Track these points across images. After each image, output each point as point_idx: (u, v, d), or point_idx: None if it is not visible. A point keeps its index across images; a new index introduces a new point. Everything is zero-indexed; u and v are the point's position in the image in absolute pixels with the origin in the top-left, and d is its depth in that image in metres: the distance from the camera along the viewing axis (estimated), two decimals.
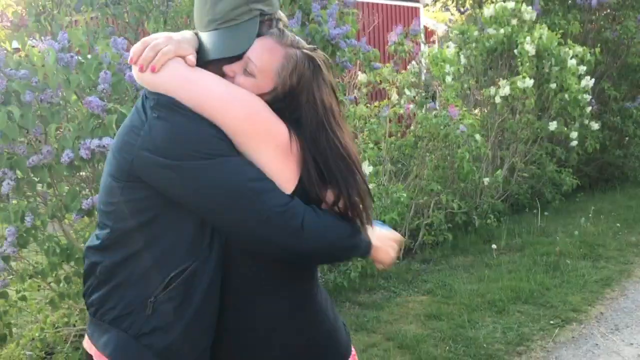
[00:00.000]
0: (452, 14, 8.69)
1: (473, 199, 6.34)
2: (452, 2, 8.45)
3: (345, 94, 4.47)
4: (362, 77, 6.26)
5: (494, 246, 5.70)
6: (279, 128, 1.33)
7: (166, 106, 1.30)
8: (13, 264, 3.15)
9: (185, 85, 1.30)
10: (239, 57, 1.36)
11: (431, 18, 13.50)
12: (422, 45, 11.42)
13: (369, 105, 5.61)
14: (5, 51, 2.63)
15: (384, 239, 1.48)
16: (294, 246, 1.29)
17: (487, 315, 4.27)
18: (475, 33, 6.57)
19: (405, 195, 4.92)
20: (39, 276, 3.15)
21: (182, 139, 1.28)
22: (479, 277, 5.04)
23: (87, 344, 1.42)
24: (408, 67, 6.72)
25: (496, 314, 4.29)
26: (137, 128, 1.31)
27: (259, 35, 1.37)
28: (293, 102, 1.35)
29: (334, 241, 1.34)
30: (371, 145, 5.70)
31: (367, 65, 4.43)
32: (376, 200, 4.81)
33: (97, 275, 1.38)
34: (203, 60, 1.37)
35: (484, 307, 4.40)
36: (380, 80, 5.84)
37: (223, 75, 1.35)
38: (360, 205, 1.38)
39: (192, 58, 1.34)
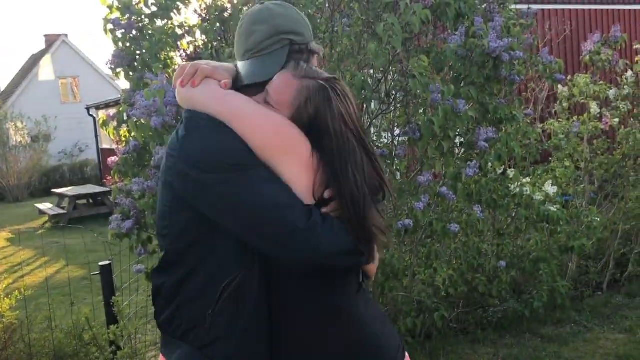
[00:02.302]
0: None
1: None
2: None
3: (523, 108, 4.17)
4: (562, 89, 5.81)
5: None
6: (303, 144, 1.41)
7: (196, 121, 1.41)
8: None
9: (220, 101, 1.41)
10: (264, 88, 1.46)
11: None
12: None
13: (560, 120, 5.15)
14: None
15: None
16: (309, 257, 1.36)
17: None
18: None
19: (598, 219, 4.40)
20: None
21: (211, 151, 1.36)
22: None
23: None
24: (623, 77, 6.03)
25: None
26: (172, 150, 1.43)
27: (287, 63, 1.47)
28: (314, 129, 1.42)
29: (342, 249, 1.39)
30: (567, 163, 5.24)
31: (549, 77, 4.10)
32: (564, 224, 4.39)
33: (163, 296, 1.49)
34: (236, 87, 1.48)
35: None
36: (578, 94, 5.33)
37: None
38: (365, 222, 1.42)
39: (227, 82, 1.46)
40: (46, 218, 13.57)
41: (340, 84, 1.48)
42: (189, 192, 1.39)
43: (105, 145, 18.31)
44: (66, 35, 27.69)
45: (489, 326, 4.46)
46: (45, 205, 14.24)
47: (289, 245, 1.34)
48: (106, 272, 3.50)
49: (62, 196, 13.89)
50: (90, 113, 18.63)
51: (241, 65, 1.52)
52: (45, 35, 28.36)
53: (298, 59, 1.49)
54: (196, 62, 1.52)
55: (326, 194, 1.40)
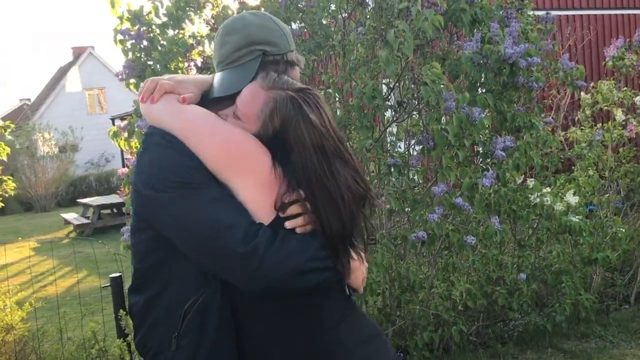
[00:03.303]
0: None
1: None
2: None
3: (543, 115, 4.04)
4: (585, 96, 5.66)
5: None
6: (257, 159, 1.33)
7: (150, 138, 1.38)
8: None
9: (175, 115, 1.36)
10: (234, 101, 1.39)
11: None
12: None
13: (583, 128, 5.01)
14: None
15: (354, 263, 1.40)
16: (252, 284, 1.27)
17: None
18: None
19: (623, 230, 4.24)
20: None
21: (159, 169, 1.32)
22: None
23: None
24: None
25: None
26: (134, 167, 1.43)
27: (258, 74, 1.40)
28: (283, 145, 1.33)
29: (294, 270, 1.27)
30: (591, 172, 5.08)
31: (569, 84, 3.97)
32: (587, 236, 4.24)
33: (135, 316, 1.45)
34: (209, 100, 1.44)
35: None
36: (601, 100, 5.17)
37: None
38: (344, 239, 1.34)
39: (187, 95, 1.41)
40: (71, 228, 13.73)
41: (314, 94, 1.39)
42: (144, 210, 1.36)
43: (129, 156, 18.49)
44: (93, 47, 28.18)
45: (510, 340, 4.32)
46: (71, 215, 14.42)
47: (231, 270, 1.27)
48: (116, 284, 3.47)
49: (86, 206, 14.05)
50: (115, 124, 18.86)
51: (216, 76, 1.48)
52: (73, 48, 28.89)
53: (273, 70, 1.41)
54: (158, 77, 1.48)
55: (288, 211, 1.32)
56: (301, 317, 1.36)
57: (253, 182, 1.31)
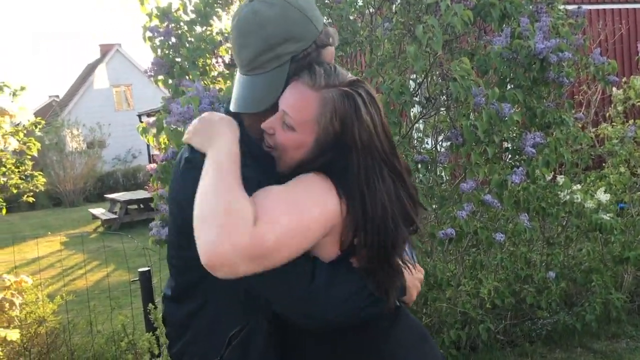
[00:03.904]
0: None
1: None
2: None
3: (574, 111, 3.98)
4: (616, 92, 5.56)
5: None
6: (329, 212, 1.19)
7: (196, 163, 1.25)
8: None
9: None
10: (275, 109, 1.25)
11: None
12: None
13: (615, 124, 4.91)
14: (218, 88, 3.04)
15: (409, 278, 1.33)
16: (310, 324, 1.25)
17: None
18: None
19: None
20: None
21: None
22: None
23: None
24: None
25: None
26: (174, 181, 1.35)
27: (293, 75, 1.24)
28: (342, 149, 1.20)
29: (354, 310, 1.24)
30: (622, 169, 4.99)
31: (601, 79, 3.90)
32: (618, 234, 4.17)
33: (172, 326, 1.40)
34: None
35: None
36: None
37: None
38: (392, 258, 1.25)
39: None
40: (99, 222, 13.94)
41: (365, 87, 1.24)
42: (190, 230, 1.22)
43: (156, 152, 18.67)
44: (120, 45, 28.53)
45: (538, 339, 4.27)
46: (98, 210, 14.64)
47: (288, 310, 1.24)
48: (145, 279, 3.50)
49: (114, 201, 14.25)
50: (142, 120, 19.07)
51: (239, 81, 1.30)
52: (100, 45, 29.29)
53: (304, 66, 1.24)
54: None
55: (356, 242, 1.22)
56: (353, 337, 1.30)
57: (327, 231, 1.22)
